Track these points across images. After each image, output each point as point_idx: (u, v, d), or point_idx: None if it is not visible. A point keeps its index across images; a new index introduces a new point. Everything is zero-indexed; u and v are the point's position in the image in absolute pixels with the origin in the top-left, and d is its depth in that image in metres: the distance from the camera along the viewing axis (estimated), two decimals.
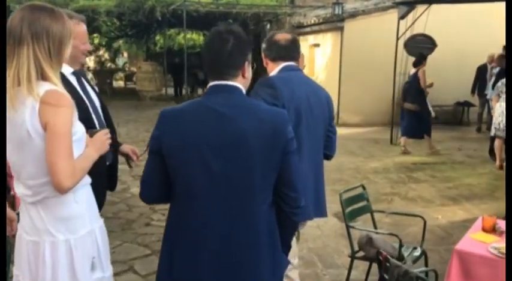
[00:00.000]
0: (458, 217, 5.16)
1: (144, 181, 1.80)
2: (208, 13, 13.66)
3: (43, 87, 1.68)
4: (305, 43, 13.67)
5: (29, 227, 1.80)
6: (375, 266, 2.95)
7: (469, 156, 8.27)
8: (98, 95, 2.77)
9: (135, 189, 5.82)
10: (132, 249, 4.17)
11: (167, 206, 1.85)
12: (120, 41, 22.24)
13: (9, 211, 2.20)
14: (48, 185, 1.72)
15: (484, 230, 2.71)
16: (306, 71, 10.14)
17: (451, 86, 10.64)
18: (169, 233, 1.81)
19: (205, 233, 1.72)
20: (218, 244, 1.71)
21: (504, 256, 2.38)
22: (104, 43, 22.78)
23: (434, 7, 8.77)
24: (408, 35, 8.86)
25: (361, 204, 3.44)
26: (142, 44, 21.28)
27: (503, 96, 6.79)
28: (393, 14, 9.52)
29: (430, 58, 8.96)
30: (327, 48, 12.23)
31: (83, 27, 2.49)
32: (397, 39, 8.99)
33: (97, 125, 2.51)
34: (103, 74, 19.27)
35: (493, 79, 9.45)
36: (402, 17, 8.85)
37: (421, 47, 9.01)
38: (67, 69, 2.49)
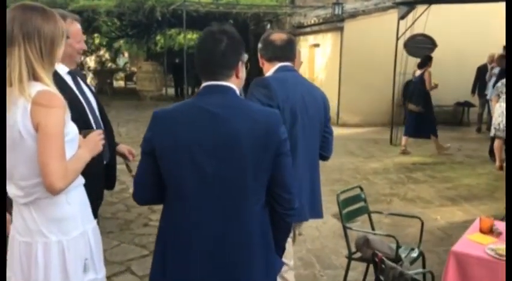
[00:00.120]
0: (457, 218, 5.14)
1: (137, 182, 1.79)
2: (208, 13, 13.65)
3: (35, 87, 1.67)
4: (305, 43, 13.66)
5: (21, 228, 1.79)
6: (372, 267, 2.95)
7: (469, 156, 8.25)
8: (95, 94, 2.76)
9: None
10: (130, 250, 4.16)
11: None
12: (121, 41, 22.25)
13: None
14: (40, 186, 1.71)
15: (482, 231, 2.70)
16: (306, 71, 10.17)
17: (451, 86, 10.62)
18: (162, 234, 1.80)
19: (198, 234, 1.71)
20: (211, 245, 1.71)
21: (501, 258, 2.37)
22: (104, 43, 22.80)
23: (434, 7, 8.76)
24: (408, 35, 8.84)
25: (358, 205, 3.43)
26: (142, 44, 21.28)
27: (503, 96, 6.78)
28: (393, 14, 9.51)
29: None
30: (327, 48, 12.22)
31: (77, 27, 2.48)
32: (397, 39, 8.97)
33: (93, 125, 2.50)
34: (103, 74, 19.28)
35: (493, 79, 9.43)
36: (402, 17, 8.84)
37: (421, 47, 8.99)
38: (63, 69, 2.48)
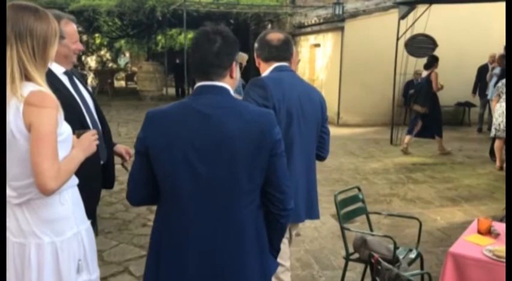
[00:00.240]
0: (457, 218, 5.12)
1: (131, 182, 1.79)
2: (208, 13, 13.65)
3: (27, 87, 1.66)
4: (306, 43, 13.65)
5: (14, 229, 1.78)
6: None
7: (469, 157, 8.23)
8: (92, 94, 2.75)
9: None
10: (128, 250, 4.15)
11: None
12: (122, 41, 22.26)
13: None
14: (33, 186, 1.70)
15: (479, 232, 2.68)
16: (306, 71, 10.15)
17: (452, 86, 10.59)
18: (156, 235, 1.79)
19: (192, 235, 1.70)
20: (205, 245, 1.70)
21: (499, 259, 2.35)
22: (105, 43, 22.81)
23: (435, 7, 8.74)
24: (409, 35, 8.82)
25: (356, 205, 3.41)
26: (143, 44, 21.29)
27: (504, 96, 6.76)
28: (394, 14, 9.49)
29: None
30: (328, 48, 12.20)
31: (73, 27, 2.47)
32: (398, 39, 8.95)
33: (90, 125, 2.50)
34: (104, 74, 19.27)
35: (493, 79, 9.42)
36: (403, 17, 8.82)
37: (421, 47, 8.96)
38: (59, 69, 2.48)
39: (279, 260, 2.34)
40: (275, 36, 2.45)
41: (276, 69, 2.43)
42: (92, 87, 17.29)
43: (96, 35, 21.04)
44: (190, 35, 19.59)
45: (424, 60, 9.01)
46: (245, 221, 1.72)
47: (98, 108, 2.72)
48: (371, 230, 3.42)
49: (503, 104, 6.70)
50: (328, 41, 12.21)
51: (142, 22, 14.90)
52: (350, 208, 3.39)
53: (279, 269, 2.43)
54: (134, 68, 23.38)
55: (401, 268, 2.79)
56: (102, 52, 24.38)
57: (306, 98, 2.42)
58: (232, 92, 1.74)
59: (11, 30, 1.64)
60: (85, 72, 21.98)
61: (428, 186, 6.37)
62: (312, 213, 2.57)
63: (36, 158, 1.63)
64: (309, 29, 13.05)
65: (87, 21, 14.88)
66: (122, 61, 27.48)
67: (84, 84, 2.77)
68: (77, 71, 2.80)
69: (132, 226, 4.73)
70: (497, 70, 9.50)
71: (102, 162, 2.59)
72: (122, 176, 5.93)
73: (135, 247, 4.20)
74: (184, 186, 1.67)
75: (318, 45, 12.88)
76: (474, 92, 10.72)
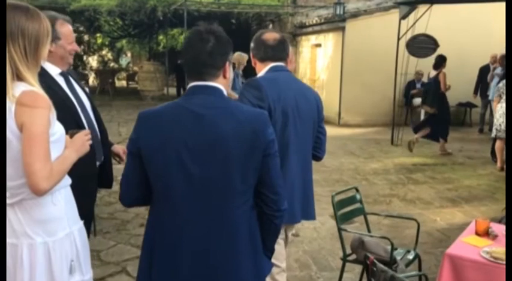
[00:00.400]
0: (457, 219, 5.10)
1: (123, 183, 1.78)
2: (209, 13, 13.64)
3: (19, 87, 1.65)
4: (307, 43, 13.64)
5: (7, 230, 1.77)
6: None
7: (470, 157, 8.21)
8: (88, 95, 2.75)
9: None
10: (126, 250, 4.14)
11: None
12: (123, 41, 22.28)
13: None
14: (26, 186, 1.69)
15: (477, 233, 2.66)
16: (307, 71, 10.12)
17: (453, 86, 10.48)
18: (149, 235, 1.79)
19: (185, 235, 1.69)
20: (198, 246, 1.69)
21: (496, 261, 2.33)
22: (107, 43, 22.84)
23: (436, 7, 8.71)
24: (410, 35, 8.79)
25: (354, 206, 3.39)
26: (145, 44, 21.30)
27: (505, 97, 6.73)
28: (395, 14, 9.46)
29: (432, 59, 8.86)
30: (329, 48, 12.19)
31: (68, 28, 2.47)
32: (398, 39, 8.92)
33: (86, 125, 2.49)
34: (105, 74, 19.28)
35: (495, 80, 9.39)
36: (403, 17, 8.79)
37: (423, 48, 8.94)
38: (54, 70, 2.47)
39: (274, 261, 2.33)
40: (271, 36, 2.43)
41: (271, 69, 2.42)
42: (89, 87, 17.31)
43: (98, 34, 21.08)
44: None
45: (425, 60, 9.02)
46: (238, 222, 1.71)
47: (95, 108, 2.72)
48: (369, 231, 3.41)
49: (504, 105, 6.68)
50: (329, 41, 12.20)
51: (144, 22, 14.90)
52: (348, 208, 3.37)
53: (275, 270, 2.43)
54: (135, 68, 23.40)
55: (399, 269, 2.77)
56: (104, 52, 24.43)
57: (301, 98, 2.41)
58: (225, 92, 1.73)
59: None
60: (86, 72, 22.03)
61: (429, 187, 6.34)
62: (308, 214, 2.55)
63: (28, 159, 1.62)
64: (310, 29, 13.03)
65: (88, 21, 14.90)
66: (124, 61, 27.52)
67: (82, 84, 2.77)
68: (74, 71, 2.81)
69: (130, 226, 4.72)
70: (499, 70, 9.47)
71: (98, 162, 2.59)
72: (121, 176, 5.87)
73: (132, 247, 4.20)
74: (177, 186, 1.66)
75: (319, 45, 12.87)
76: (475, 92, 10.69)
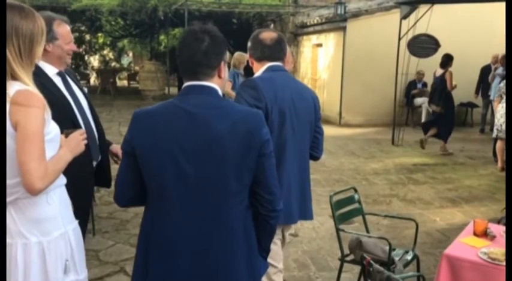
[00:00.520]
0: (456, 220, 5.09)
1: (118, 183, 1.77)
2: (210, 12, 13.63)
3: (13, 87, 1.65)
4: (308, 43, 13.62)
5: None
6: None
7: (471, 157, 8.19)
8: (86, 95, 2.75)
9: None
10: (124, 250, 4.14)
11: None
12: (125, 41, 22.29)
13: None
14: (20, 186, 1.69)
15: (475, 234, 2.65)
16: (308, 71, 10.08)
17: None
18: (144, 235, 1.78)
19: (180, 235, 1.69)
20: (192, 246, 1.69)
21: (494, 262, 2.32)
22: (108, 42, 22.86)
23: (437, 7, 8.68)
24: (411, 35, 8.77)
25: (352, 206, 3.38)
26: (146, 44, 21.31)
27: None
28: (396, 14, 9.44)
29: (433, 59, 8.87)
30: (330, 48, 12.17)
31: (65, 28, 2.47)
32: (399, 39, 8.90)
33: (82, 125, 2.49)
34: (106, 74, 19.29)
35: (496, 80, 9.36)
36: (404, 17, 8.77)
37: (424, 47, 8.92)
38: (52, 70, 2.48)
39: (271, 261, 2.33)
40: (268, 35, 2.42)
41: (269, 69, 2.41)
42: (90, 87, 17.31)
43: (100, 34, 21.09)
44: None
45: (426, 60, 9.00)
46: (233, 222, 1.70)
47: (92, 108, 2.72)
48: (367, 231, 3.40)
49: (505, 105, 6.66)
50: (330, 40, 12.18)
51: (145, 22, 14.90)
52: (346, 209, 3.36)
53: (272, 270, 2.42)
54: (137, 68, 23.42)
55: (397, 270, 2.76)
56: (105, 51, 24.45)
57: (298, 97, 2.40)
58: (220, 92, 1.73)
59: None
60: (88, 71, 22.05)
61: (429, 187, 6.33)
62: (306, 214, 2.54)
63: (23, 158, 1.62)
64: (311, 29, 13.02)
65: (90, 21, 14.91)
66: (125, 61, 27.54)
67: (80, 84, 2.77)
68: (72, 71, 2.80)
69: (129, 225, 4.72)
70: (500, 70, 9.44)
71: (94, 162, 2.59)
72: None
73: (131, 247, 4.19)
74: (172, 186, 1.65)
75: (320, 45, 12.85)
76: (477, 92, 10.66)
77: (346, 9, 11.19)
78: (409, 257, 3.17)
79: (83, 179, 2.41)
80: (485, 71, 10.30)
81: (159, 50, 21.99)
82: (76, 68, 20.69)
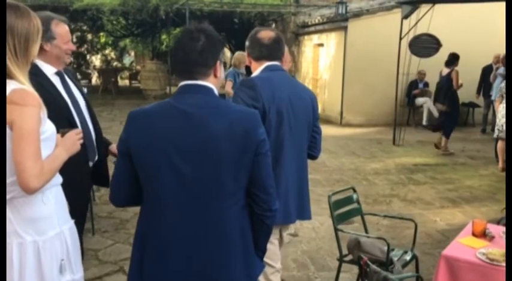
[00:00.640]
0: (457, 220, 5.07)
1: (113, 183, 1.77)
2: (212, 12, 13.63)
3: (9, 86, 1.64)
4: (309, 42, 13.61)
5: None
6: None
7: (472, 157, 8.16)
8: (84, 95, 2.75)
9: None
10: (124, 249, 4.13)
11: None
12: (127, 40, 22.29)
13: None
14: (16, 185, 1.68)
15: (474, 234, 2.64)
16: (310, 71, 10.08)
17: None
18: (140, 235, 1.78)
19: (176, 235, 1.68)
20: (189, 246, 1.68)
21: (492, 262, 2.31)
22: (110, 42, 22.86)
23: (438, 7, 8.66)
24: (412, 34, 8.75)
25: (351, 207, 3.37)
26: (148, 43, 21.30)
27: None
28: (397, 14, 9.42)
29: (434, 58, 8.86)
30: (331, 47, 12.15)
31: (64, 28, 2.46)
32: (400, 38, 8.88)
33: (79, 125, 2.49)
34: (108, 73, 19.29)
35: (497, 80, 9.33)
36: (406, 17, 8.75)
37: (426, 47, 8.89)
38: (50, 70, 2.47)
39: (269, 261, 2.33)
40: (266, 34, 2.41)
41: (266, 68, 2.40)
42: (92, 86, 17.29)
43: (101, 34, 21.09)
44: None
45: (427, 60, 8.98)
46: (230, 222, 1.70)
47: (90, 108, 2.72)
48: (366, 231, 3.39)
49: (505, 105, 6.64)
50: (331, 40, 12.16)
51: (146, 21, 14.90)
52: (345, 209, 3.35)
53: (269, 270, 2.42)
54: (138, 67, 23.43)
55: (395, 270, 2.75)
56: (107, 51, 24.43)
57: (296, 97, 2.39)
58: (216, 91, 1.72)
59: None
60: (89, 71, 22.06)
61: (429, 187, 6.31)
62: (304, 213, 2.54)
63: (19, 157, 1.62)
64: (312, 29, 13.00)
65: (91, 20, 14.91)
66: (127, 60, 27.54)
67: (79, 84, 2.76)
68: (71, 71, 2.80)
69: (129, 225, 4.72)
70: (501, 70, 9.41)
71: (90, 162, 2.58)
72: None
73: (131, 247, 4.12)
74: (168, 186, 1.65)
75: (321, 44, 12.84)
76: (478, 92, 10.63)
77: (347, 8, 11.17)
78: (408, 257, 3.16)
79: (78, 178, 2.40)
80: (487, 71, 10.27)
81: (161, 50, 21.98)
82: (78, 68, 20.70)
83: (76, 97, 2.61)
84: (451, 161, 7.83)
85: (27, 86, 1.68)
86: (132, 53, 27.45)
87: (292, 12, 13.99)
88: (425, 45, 8.89)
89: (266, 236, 1.85)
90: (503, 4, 6.66)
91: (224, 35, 16.64)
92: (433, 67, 9.57)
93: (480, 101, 10.85)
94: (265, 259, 2.01)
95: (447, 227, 4.84)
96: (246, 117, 1.67)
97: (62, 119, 2.28)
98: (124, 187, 1.75)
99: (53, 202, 1.81)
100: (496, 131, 7.03)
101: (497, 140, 7.21)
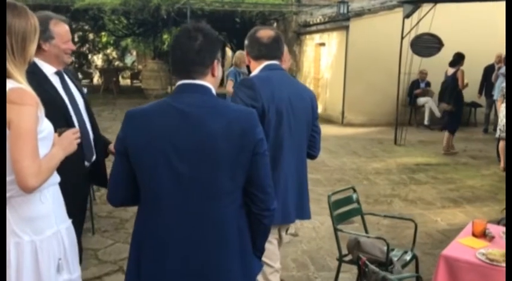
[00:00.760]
0: (458, 220, 5.05)
1: (111, 182, 1.76)
2: (213, 11, 13.62)
3: (7, 85, 1.64)
4: (311, 42, 13.59)
5: None
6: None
7: (474, 157, 8.14)
8: (83, 94, 2.74)
9: None
10: (123, 249, 4.12)
11: None
12: (128, 40, 22.29)
13: None
14: (14, 184, 1.68)
15: (474, 235, 2.63)
16: (311, 70, 10.08)
17: None
18: (137, 235, 1.78)
19: (173, 235, 1.68)
20: (186, 245, 1.68)
21: (492, 263, 2.30)
22: (111, 42, 22.86)
23: (440, 6, 8.64)
24: (414, 34, 8.73)
25: (351, 206, 3.36)
26: (149, 43, 21.30)
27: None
28: (399, 13, 9.40)
29: (436, 58, 8.84)
30: (333, 47, 12.14)
31: (63, 27, 2.45)
32: (402, 38, 8.86)
33: (76, 124, 2.48)
34: (109, 73, 19.31)
35: (499, 79, 9.30)
36: (407, 16, 8.74)
37: (427, 47, 8.87)
38: (50, 69, 2.47)
39: (268, 261, 2.32)
40: (265, 33, 2.40)
41: (266, 67, 2.39)
42: (93, 86, 17.29)
43: (103, 33, 21.10)
44: None
45: (429, 59, 8.96)
46: (227, 221, 1.69)
47: (89, 108, 2.71)
48: (366, 231, 3.38)
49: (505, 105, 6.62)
50: (333, 40, 12.15)
51: (148, 21, 14.90)
52: (345, 208, 3.34)
53: (268, 270, 2.41)
54: (140, 67, 23.44)
55: (395, 271, 2.74)
56: (109, 50, 24.43)
57: (296, 97, 2.38)
58: (214, 91, 1.71)
59: None
60: (91, 70, 22.07)
61: (431, 187, 6.30)
62: (303, 213, 2.53)
63: (17, 156, 1.62)
64: (314, 28, 12.99)
65: (93, 20, 14.92)
66: (129, 60, 27.55)
67: (78, 84, 2.76)
68: (72, 71, 2.80)
69: (129, 224, 4.71)
70: (503, 70, 9.38)
71: (87, 162, 2.57)
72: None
73: None
74: (165, 186, 1.64)
75: (323, 44, 12.82)
76: (480, 92, 10.61)
77: (349, 8, 11.15)
78: (408, 257, 3.14)
79: (75, 178, 2.39)
80: (489, 70, 10.25)
81: (163, 49, 21.98)
82: (79, 67, 20.70)
83: (75, 97, 2.60)
84: (453, 161, 7.81)
85: (25, 85, 1.68)
86: (134, 53, 27.46)
87: (294, 12, 13.98)
88: (427, 44, 8.87)
89: (264, 235, 1.84)
90: (505, 4, 6.64)
91: (225, 35, 16.64)
92: (435, 67, 9.55)
93: (482, 100, 10.82)
94: (264, 259, 2.01)
95: (448, 227, 4.83)
96: (244, 117, 1.67)
97: (60, 118, 2.28)
98: (121, 186, 1.75)
99: (50, 201, 1.80)
100: (498, 131, 7.01)
101: (499, 140, 7.18)
